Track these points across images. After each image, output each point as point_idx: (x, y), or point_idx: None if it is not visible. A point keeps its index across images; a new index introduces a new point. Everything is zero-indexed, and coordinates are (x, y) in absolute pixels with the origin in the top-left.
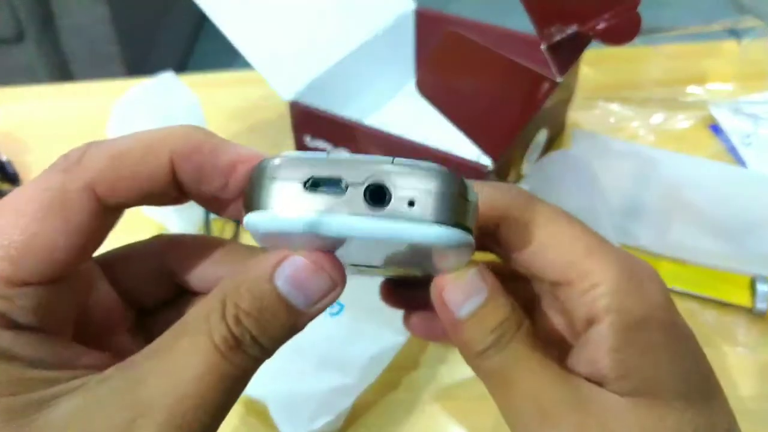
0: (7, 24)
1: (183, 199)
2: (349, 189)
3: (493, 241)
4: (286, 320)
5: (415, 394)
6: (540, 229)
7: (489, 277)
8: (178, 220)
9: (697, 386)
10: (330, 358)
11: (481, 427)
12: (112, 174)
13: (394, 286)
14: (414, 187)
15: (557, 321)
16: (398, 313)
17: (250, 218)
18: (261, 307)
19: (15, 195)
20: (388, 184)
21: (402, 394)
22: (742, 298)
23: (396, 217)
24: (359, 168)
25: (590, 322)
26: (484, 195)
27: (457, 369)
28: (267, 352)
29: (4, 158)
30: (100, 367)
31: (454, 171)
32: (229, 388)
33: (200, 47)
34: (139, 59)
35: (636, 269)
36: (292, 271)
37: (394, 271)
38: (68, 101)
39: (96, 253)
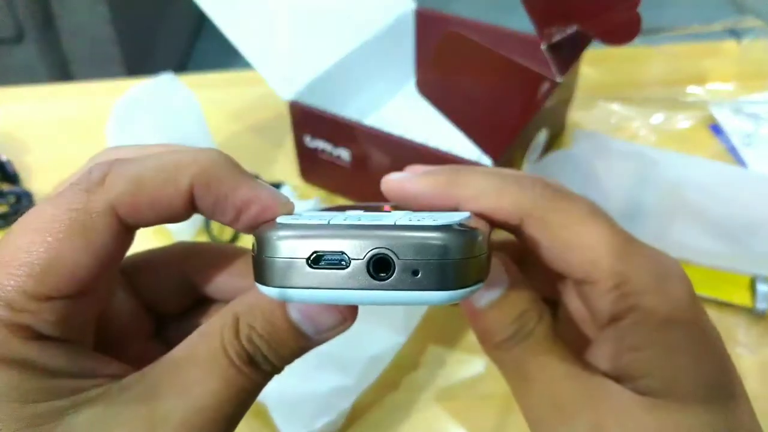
0: (7, 24)
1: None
2: (352, 263)
3: (515, 234)
4: (294, 344)
5: (415, 394)
6: (563, 229)
7: (511, 268)
8: None
9: (719, 389)
10: (330, 358)
11: (481, 427)
12: (133, 198)
13: None
14: (417, 256)
15: (579, 313)
16: (398, 313)
17: (261, 289)
18: (272, 330)
19: (38, 212)
20: (391, 256)
21: (402, 394)
22: (743, 298)
23: (401, 288)
24: (361, 238)
25: (613, 319)
26: (506, 195)
27: (457, 369)
28: (277, 369)
29: (4, 158)
30: (121, 375)
31: (459, 228)
32: (242, 401)
33: (200, 47)
34: (139, 59)
35: (662, 268)
36: (305, 305)
37: None
38: (68, 101)
39: None
